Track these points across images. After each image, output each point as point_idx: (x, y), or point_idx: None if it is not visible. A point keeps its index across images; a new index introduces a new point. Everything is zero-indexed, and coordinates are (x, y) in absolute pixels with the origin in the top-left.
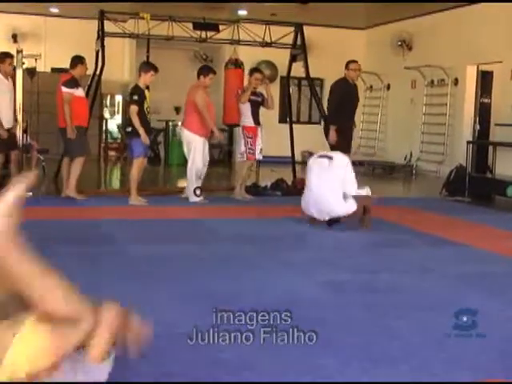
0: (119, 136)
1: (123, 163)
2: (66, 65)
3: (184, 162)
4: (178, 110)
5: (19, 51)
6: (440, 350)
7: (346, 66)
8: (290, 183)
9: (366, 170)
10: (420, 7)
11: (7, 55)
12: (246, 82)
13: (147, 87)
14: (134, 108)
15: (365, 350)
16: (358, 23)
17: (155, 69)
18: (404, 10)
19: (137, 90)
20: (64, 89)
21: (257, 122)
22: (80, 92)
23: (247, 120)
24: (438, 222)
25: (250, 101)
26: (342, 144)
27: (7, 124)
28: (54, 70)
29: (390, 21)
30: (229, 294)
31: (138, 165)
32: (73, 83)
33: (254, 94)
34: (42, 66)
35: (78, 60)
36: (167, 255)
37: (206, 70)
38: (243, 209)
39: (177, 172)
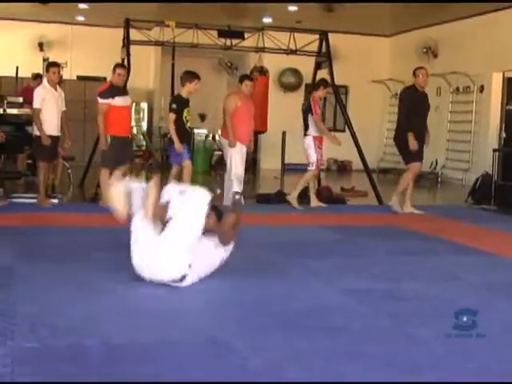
0: (144, 143)
1: (148, 170)
2: (92, 73)
3: (209, 169)
4: (202, 117)
5: (45, 59)
6: (466, 359)
7: (414, 73)
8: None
9: (391, 177)
10: (445, 14)
11: (51, 64)
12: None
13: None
14: (171, 116)
15: (389, 358)
16: (383, 30)
17: (199, 77)
18: (429, 17)
19: (177, 98)
20: (99, 100)
21: None
22: (118, 101)
23: (320, 130)
24: (464, 230)
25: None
26: (411, 153)
27: (51, 131)
28: (79, 77)
29: (415, 28)
30: (254, 301)
31: (186, 170)
32: (108, 93)
33: None
34: (68, 74)
35: (113, 67)
36: None
37: (241, 78)
38: (267, 216)
39: (202, 179)
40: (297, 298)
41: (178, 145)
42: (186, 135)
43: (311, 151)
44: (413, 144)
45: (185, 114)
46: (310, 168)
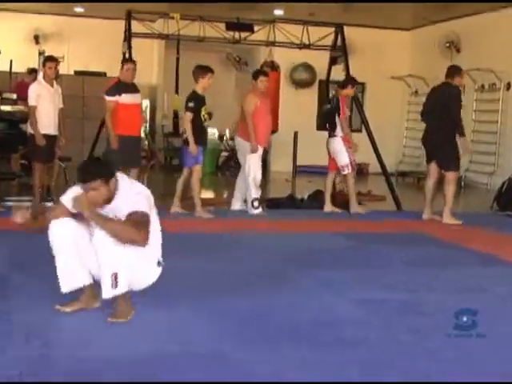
0: (146, 143)
1: (150, 171)
2: (91, 67)
3: (215, 170)
4: (209, 115)
5: (41, 53)
6: (486, 374)
7: (459, 73)
8: None
9: (410, 181)
10: (469, 7)
11: (47, 59)
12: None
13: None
14: (188, 115)
15: (407, 372)
16: (403, 23)
17: (212, 70)
18: (452, 10)
19: (193, 96)
20: (106, 97)
21: None
22: (125, 98)
23: (344, 131)
24: (488, 239)
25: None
26: (457, 159)
27: (46, 129)
28: (77, 72)
29: (437, 21)
30: (261, 311)
31: (196, 174)
32: (115, 90)
33: None
34: (65, 69)
35: (121, 62)
36: (196, 270)
37: (255, 73)
38: (277, 222)
39: (208, 181)
40: (306, 308)
41: (193, 147)
42: (202, 136)
43: (342, 153)
44: (468, 145)
45: (202, 112)
46: (345, 172)
